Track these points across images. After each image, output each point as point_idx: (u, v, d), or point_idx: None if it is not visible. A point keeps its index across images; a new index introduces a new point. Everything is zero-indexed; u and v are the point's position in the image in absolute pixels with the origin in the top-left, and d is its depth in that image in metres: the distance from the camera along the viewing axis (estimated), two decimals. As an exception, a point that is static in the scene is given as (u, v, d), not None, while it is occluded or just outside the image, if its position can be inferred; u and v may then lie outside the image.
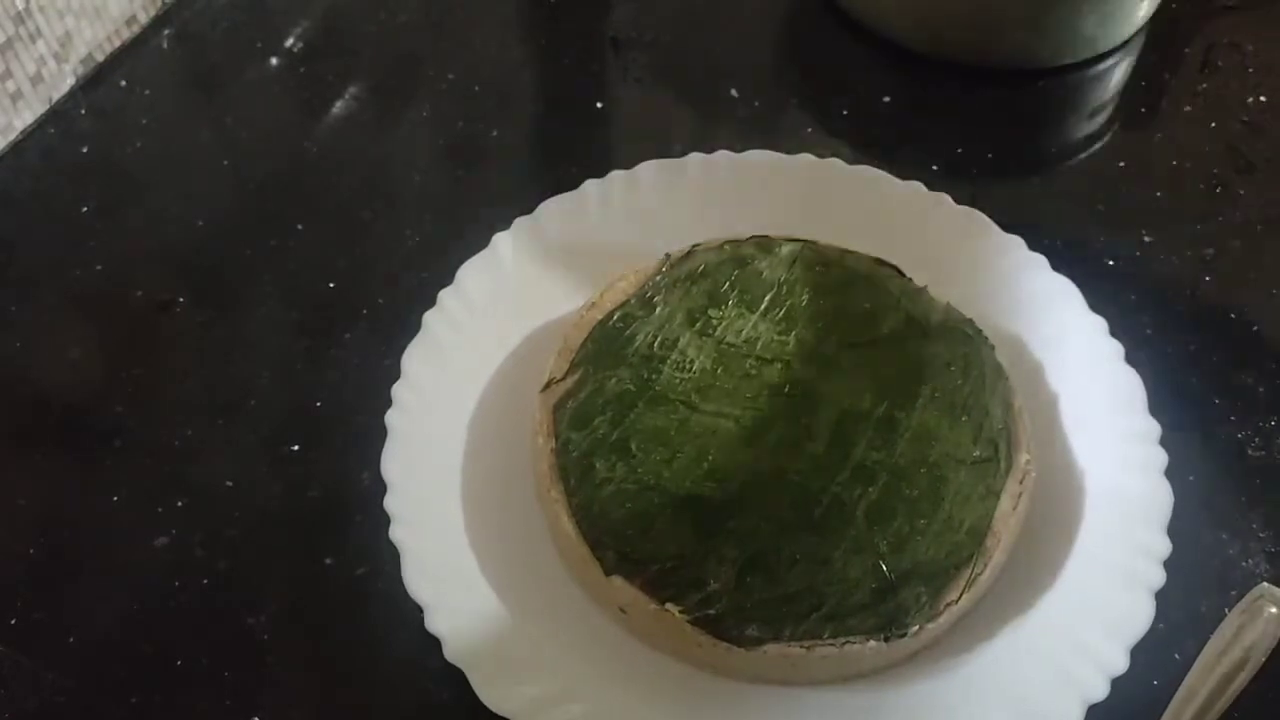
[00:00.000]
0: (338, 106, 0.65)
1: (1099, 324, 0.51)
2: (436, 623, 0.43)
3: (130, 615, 0.47)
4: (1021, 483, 0.46)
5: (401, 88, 0.66)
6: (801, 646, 0.42)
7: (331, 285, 0.57)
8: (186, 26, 0.65)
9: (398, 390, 0.49)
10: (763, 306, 0.50)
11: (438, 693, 0.45)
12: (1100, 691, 0.42)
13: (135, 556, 0.48)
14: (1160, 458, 0.47)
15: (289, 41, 0.66)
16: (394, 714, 0.45)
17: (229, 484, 0.50)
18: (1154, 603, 0.44)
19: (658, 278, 0.51)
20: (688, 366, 0.48)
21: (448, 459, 0.48)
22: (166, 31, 0.63)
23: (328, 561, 0.49)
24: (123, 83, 0.63)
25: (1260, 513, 0.50)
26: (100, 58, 0.65)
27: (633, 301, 0.50)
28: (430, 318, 0.51)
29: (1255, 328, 0.56)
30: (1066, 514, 0.47)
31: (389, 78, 0.66)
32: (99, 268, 0.57)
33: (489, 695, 0.42)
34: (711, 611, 0.42)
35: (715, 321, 0.49)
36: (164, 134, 0.62)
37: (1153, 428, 0.48)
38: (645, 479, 0.45)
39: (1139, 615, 0.44)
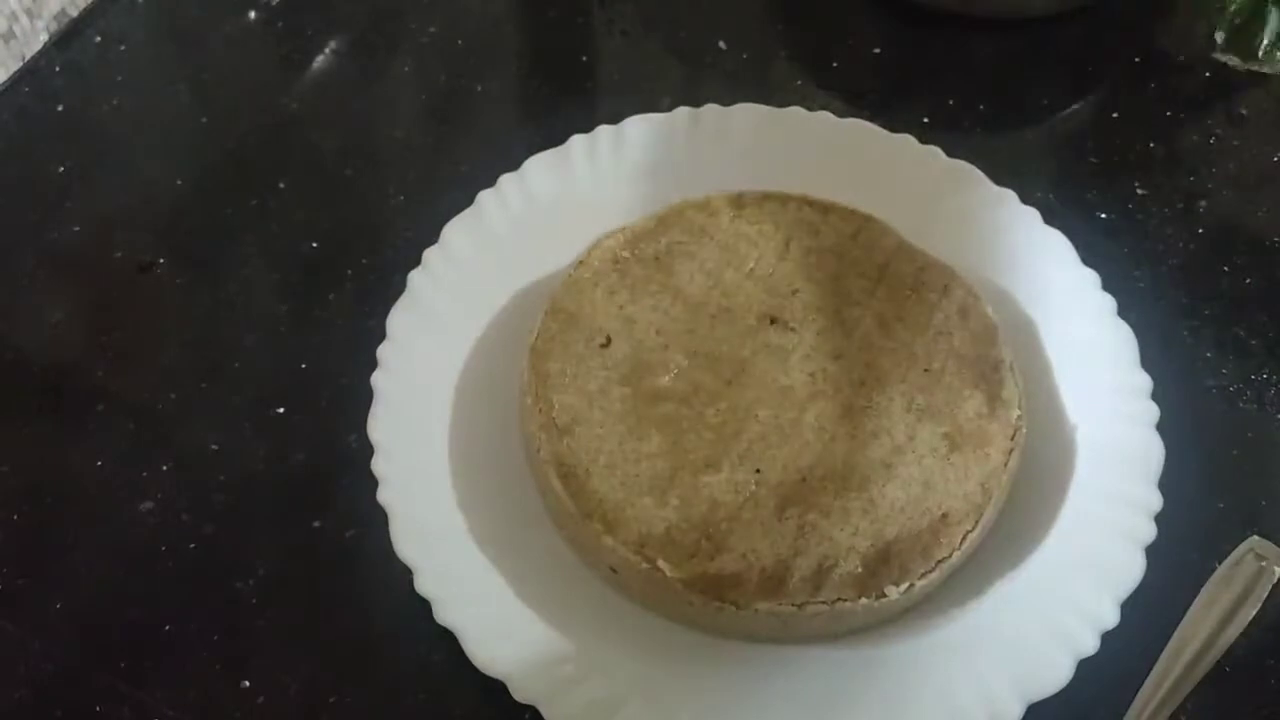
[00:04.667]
0: (318, 61, 0.63)
1: (1091, 278, 0.50)
2: (426, 585, 0.43)
3: (117, 581, 0.47)
4: (1013, 438, 0.46)
5: (383, 42, 0.64)
6: (793, 604, 0.42)
7: (314, 245, 0.56)
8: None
9: (383, 351, 0.48)
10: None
11: (429, 655, 0.45)
12: (1090, 645, 0.42)
13: (120, 521, 0.48)
14: (1152, 412, 0.47)
15: (267, -6, 0.64)
16: (386, 677, 0.45)
17: (214, 447, 0.50)
18: (1144, 557, 0.44)
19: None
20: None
21: (435, 420, 0.48)
22: (141, -15, 0.63)
23: (316, 525, 0.48)
24: (97, 39, 0.61)
25: (1251, 466, 0.50)
26: (74, 13, 0.63)
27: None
28: (415, 277, 0.50)
29: (1248, 280, 0.56)
30: (1058, 469, 0.47)
31: (370, 31, 0.65)
32: (76, 229, 0.56)
33: (480, 657, 0.42)
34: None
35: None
36: (141, 91, 0.61)
37: (1145, 382, 0.48)
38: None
39: (1129, 570, 0.43)
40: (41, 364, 0.53)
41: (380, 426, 0.46)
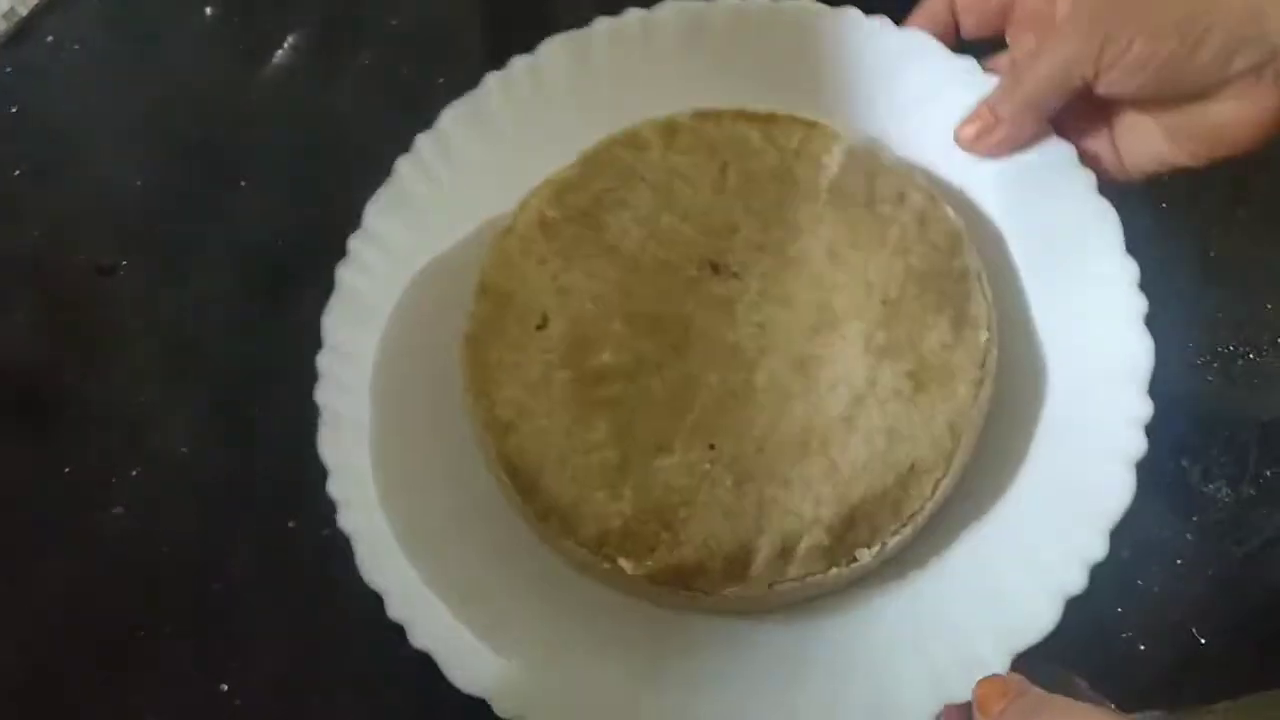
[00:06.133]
0: (276, 57, 0.61)
1: (1067, 152, 0.45)
2: (398, 610, 0.43)
3: (90, 586, 0.47)
4: (982, 365, 0.42)
5: (341, 36, 0.62)
6: (764, 585, 0.41)
7: (279, 243, 0.55)
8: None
9: (324, 362, 0.46)
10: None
11: (407, 652, 0.44)
12: (1079, 583, 0.39)
13: (92, 526, 0.48)
14: (1138, 303, 0.42)
15: (223, -11, 0.62)
16: (364, 676, 0.45)
17: (184, 450, 0.50)
18: (1134, 475, 0.40)
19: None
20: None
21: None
22: (94, -16, 0.61)
23: (290, 525, 0.49)
24: (50, 38, 0.60)
25: (1220, 437, 0.48)
26: (24, 11, 0.61)
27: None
28: (342, 272, 0.48)
29: (1212, 253, 0.52)
30: (1034, 387, 0.43)
31: (328, 26, 0.62)
32: (36, 233, 0.55)
33: (459, 678, 0.42)
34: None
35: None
36: (97, 91, 0.59)
37: (1130, 269, 0.43)
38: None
39: (1117, 492, 0.40)
40: (7, 370, 0.53)
41: (331, 446, 0.45)
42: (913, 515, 0.41)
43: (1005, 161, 0.45)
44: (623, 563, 0.41)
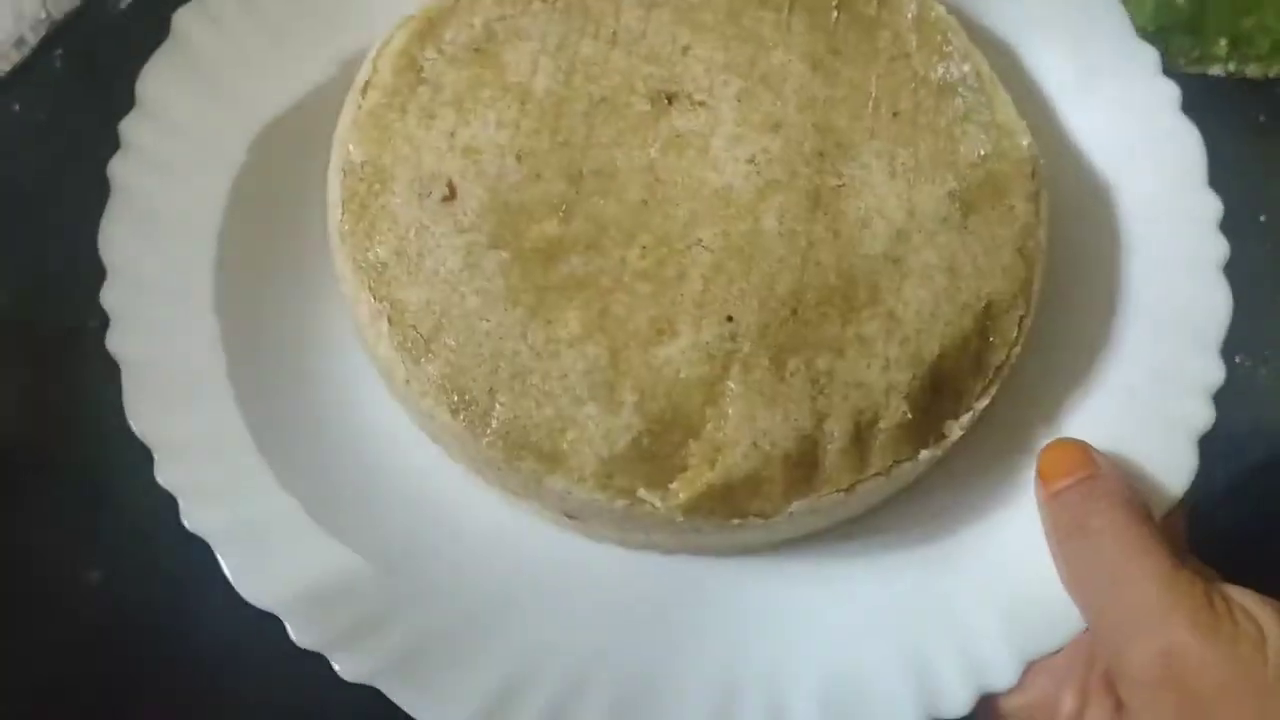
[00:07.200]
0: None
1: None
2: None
3: (66, 653, 0.43)
4: (1033, 176, 0.34)
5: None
6: (839, 490, 0.30)
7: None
8: (78, 44, 0.53)
9: (112, 297, 0.32)
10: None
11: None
12: (1206, 416, 0.32)
13: (68, 591, 0.44)
14: (1174, 92, 0.35)
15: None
16: None
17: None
18: (1227, 283, 0.33)
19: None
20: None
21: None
22: (58, 51, 0.53)
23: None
24: (16, 107, 0.53)
25: None
26: (34, 41, 0.52)
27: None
28: (120, 169, 0.33)
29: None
30: (1084, 198, 0.35)
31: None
32: (3, 299, 0.48)
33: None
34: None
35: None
36: (64, 156, 0.51)
37: (1154, 56, 0.36)
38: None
39: (1216, 303, 0.33)
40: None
41: (148, 418, 0.30)
42: (999, 368, 0.32)
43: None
44: (645, 495, 0.29)
